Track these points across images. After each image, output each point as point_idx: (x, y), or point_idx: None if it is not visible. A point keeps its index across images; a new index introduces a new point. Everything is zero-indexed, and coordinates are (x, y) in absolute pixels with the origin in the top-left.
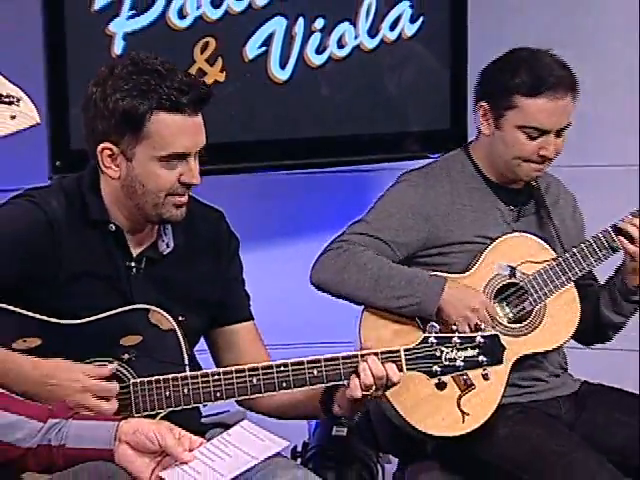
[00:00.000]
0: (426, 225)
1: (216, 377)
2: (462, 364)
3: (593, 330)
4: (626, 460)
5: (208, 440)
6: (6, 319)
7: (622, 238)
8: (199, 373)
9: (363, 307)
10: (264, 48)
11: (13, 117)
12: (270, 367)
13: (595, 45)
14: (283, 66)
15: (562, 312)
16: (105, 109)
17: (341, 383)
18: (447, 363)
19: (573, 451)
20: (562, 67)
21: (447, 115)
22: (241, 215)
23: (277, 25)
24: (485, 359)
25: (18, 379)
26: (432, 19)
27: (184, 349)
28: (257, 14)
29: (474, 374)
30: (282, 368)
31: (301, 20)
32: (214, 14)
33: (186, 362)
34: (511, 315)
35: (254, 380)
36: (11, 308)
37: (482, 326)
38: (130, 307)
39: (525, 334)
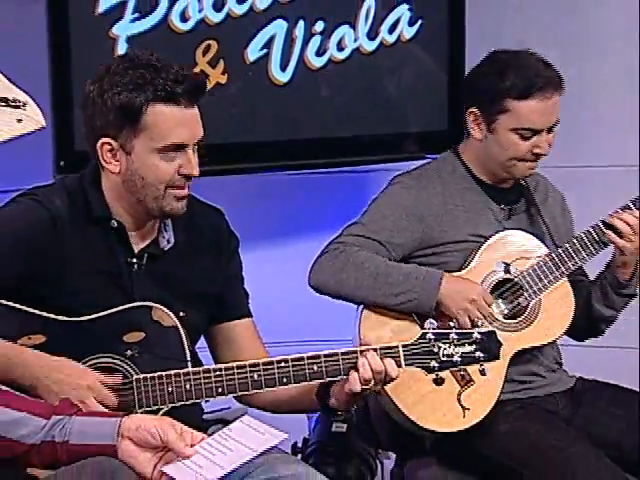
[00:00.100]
0: (420, 226)
1: (217, 373)
2: (459, 360)
3: (585, 324)
4: (623, 454)
5: (210, 435)
6: (11, 316)
7: (611, 232)
8: (201, 369)
9: (362, 306)
10: (265, 50)
11: (19, 120)
12: (271, 363)
13: (595, 45)
14: (284, 68)
15: (557, 306)
16: (103, 105)
17: (340, 378)
18: (444, 359)
19: (571, 446)
20: (547, 66)
21: (445, 116)
22: (242, 215)
23: (278, 28)
24: (482, 355)
25: (23, 372)
26: (430, 22)
27: (186, 345)
28: (258, 17)
29: (472, 370)
30: (282, 364)
31: (301, 23)
32: (216, 17)
33: (188, 358)
34: (506, 311)
35: (255, 376)
36: (16, 306)
37: (479, 322)
38: (133, 304)
39: (521, 329)
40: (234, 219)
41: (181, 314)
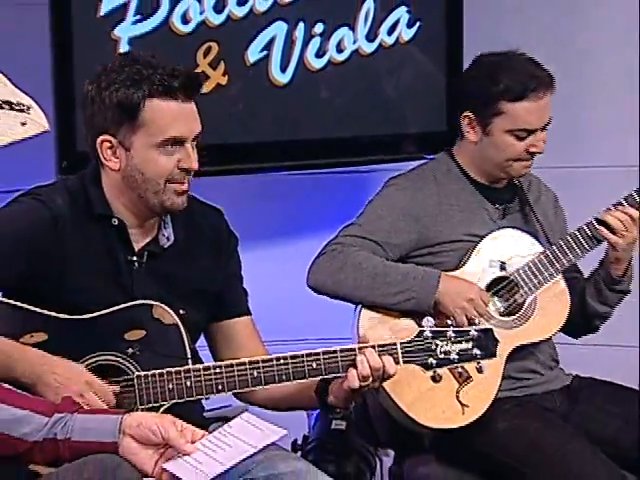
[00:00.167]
0: (416, 226)
1: (218, 370)
2: (457, 357)
3: (580, 321)
4: (619, 451)
5: (210, 433)
6: (13, 314)
7: (603, 228)
8: (201, 366)
9: (360, 305)
10: (265, 52)
11: (24, 124)
12: (270, 360)
13: (595, 45)
14: (284, 69)
15: (552, 303)
16: (101, 103)
17: (338, 375)
18: (442, 356)
19: (568, 443)
20: (537, 66)
21: (443, 117)
22: (242, 215)
23: (278, 30)
24: (479, 352)
25: (24, 370)
26: (429, 24)
27: (186, 343)
28: (258, 19)
29: (470, 367)
30: (282, 361)
31: (301, 25)
32: (216, 19)
33: (188, 355)
34: (502, 309)
35: (254, 373)
36: (18, 304)
37: (476, 321)
38: (134, 303)
39: (517, 326)
40: (234, 219)
41: (181, 312)
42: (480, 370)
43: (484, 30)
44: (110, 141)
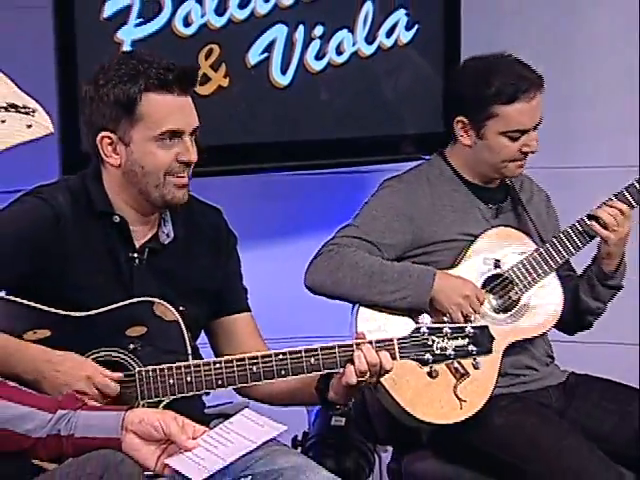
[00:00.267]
0: (411, 227)
1: (218, 365)
2: (453, 353)
3: (574, 318)
4: (615, 447)
5: (211, 429)
6: (17, 311)
7: (594, 223)
8: (201, 362)
9: (358, 304)
10: (266, 54)
11: (29, 126)
12: (269, 356)
13: (595, 45)
14: (284, 71)
15: (546, 299)
16: (99, 101)
17: (337, 371)
18: (438, 352)
19: (564, 438)
20: (525, 67)
21: (441, 118)
22: (243, 215)
23: (278, 32)
24: (475, 348)
25: (26, 367)
26: (427, 27)
27: (187, 339)
28: (259, 22)
29: (467, 363)
30: (281, 357)
31: (301, 28)
32: (218, 22)
33: (189, 352)
34: (497, 305)
35: (254, 368)
36: (22, 301)
37: (472, 318)
38: (135, 300)
39: (512, 322)
40: (235, 219)
41: (181, 308)
42: (476, 366)
43: (482, 32)
44: (110, 137)
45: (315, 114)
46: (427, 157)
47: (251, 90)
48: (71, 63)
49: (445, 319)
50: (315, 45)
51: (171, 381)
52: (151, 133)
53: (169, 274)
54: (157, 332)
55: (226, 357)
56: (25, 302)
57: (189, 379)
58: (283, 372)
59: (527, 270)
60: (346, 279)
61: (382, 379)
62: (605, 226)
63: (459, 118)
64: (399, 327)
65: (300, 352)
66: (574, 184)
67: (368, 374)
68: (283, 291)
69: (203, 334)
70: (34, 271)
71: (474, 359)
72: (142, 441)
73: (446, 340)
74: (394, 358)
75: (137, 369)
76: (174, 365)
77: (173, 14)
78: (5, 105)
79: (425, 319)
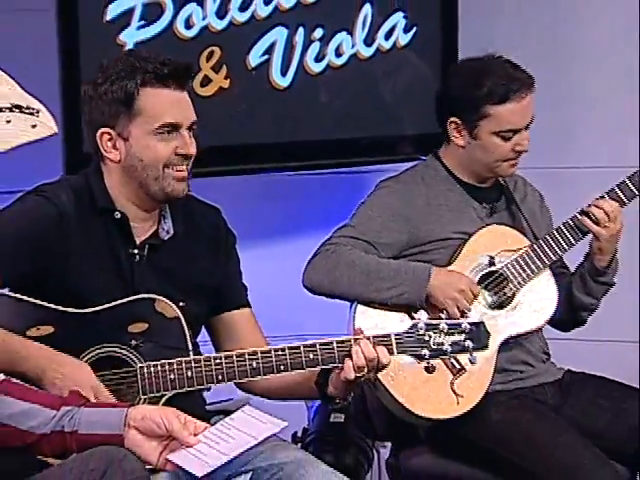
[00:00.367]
0: (407, 226)
1: (218, 361)
2: (449, 348)
3: (568, 314)
4: (610, 444)
5: (212, 425)
6: (21, 308)
7: (586, 219)
8: (202, 357)
9: (356, 302)
10: (266, 56)
11: (34, 126)
12: (268, 351)
13: (595, 45)
14: (284, 73)
15: (541, 295)
16: (99, 99)
17: (335, 366)
18: (435, 347)
19: (560, 435)
20: (516, 68)
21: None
22: (243, 214)
23: (278, 35)
24: (471, 344)
25: (29, 365)
26: (424, 29)
27: (187, 335)
28: (259, 24)
29: (463, 359)
30: (280, 352)
31: (301, 30)
32: (219, 24)
33: (190, 347)
34: (492, 302)
35: (254, 363)
36: (25, 298)
37: (468, 313)
38: (137, 297)
39: (507, 318)
40: (236, 218)
41: (181, 304)
42: (473, 361)
43: (479, 34)
44: (109, 133)
45: (315, 115)
46: (425, 158)
47: (251, 91)
48: (74, 65)
49: (442, 315)
50: (315, 47)
51: (172, 376)
52: (149, 127)
53: (169, 271)
54: (158, 328)
55: (226, 353)
56: (28, 299)
57: (190, 374)
58: (282, 367)
59: (521, 267)
60: (343, 278)
61: (380, 376)
62: (597, 222)
63: (452, 119)
64: (396, 324)
65: (299, 347)
66: (574, 184)
67: (366, 369)
68: (283, 290)
69: (204, 332)
70: (36, 270)
71: (470, 354)
72: (144, 437)
73: (443, 335)
74: (391, 353)
75: (139, 365)
76: (175, 360)
77: (175, 17)
78: (10, 106)
79: (422, 315)
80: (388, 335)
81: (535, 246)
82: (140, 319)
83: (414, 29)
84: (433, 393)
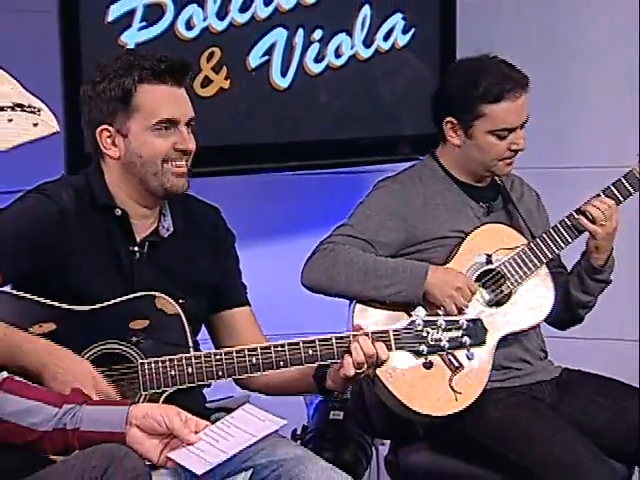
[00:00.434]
0: (404, 225)
1: (218, 357)
2: (447, 344)
3: (565, 313)
4: (608, 442)
5: (213, 422)
6: (23, 306)
7: (582, 218)
8: (202, 353)
9: (354, 300)
10: (266, 57)
11: (35, 124)
12: (268, 347)
13: (595, 45)
14: (284, 74)
15: (537, 292)
16: (97, 97)
17: (334, 361)
18: (433, 343)
19: (558, 433)
20: (511, 68)
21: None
22: (243, 214)
23: (278, 36)
24: (469, 340)
25: (30, 360)
26: (423, 30)
27: (188, 332)
28: (259, 25)
29: (461, 355)
30: (279, 348)
31: (301, 31)
32: (219, 25)
33: (190, 344)
34: (489, 299)
35: (253, 359)
36: (28, 296)
37: (465, 310)
38: (138, 294)
39: (505, 316)
40: (236, 218)
41: (180, 301)
42: (470, 357)
43: (477, 35)
44: (108, 130)
45: (314, 115)
46: (423, 157)
47: (251, 92)
48: (76, 66)
49: (440, 312)
50: (314, 48)
51: (173, 372)
52: (147, 123)
53: (169, 269)
54: (159, 325)
55: (226, 349)
56: (31, 297)
57: (190, 370)
58: (282, 363)
59: (518, 264)
60: (341, 276)
61: (379, 372)
62: (593, 221)
63: (448, 119)
64: (394, 322)
65: (298, 344)
66: (574, 184)
67: (365, 365)
68: (283, 289)
69: (203, 330)
70: (37, 267)
71: (468, 350)
72: (145, 435)
73: (440, 332)
74: (390, 349)
75: (140, 361)
76: (175, 357)
77: (175, 18)
78: (11, 104)
79: (420, 312)
80: (386, 331)
81: (532, 244)
82: (141, 316)
83: (413, 30)
84: (431, 390)
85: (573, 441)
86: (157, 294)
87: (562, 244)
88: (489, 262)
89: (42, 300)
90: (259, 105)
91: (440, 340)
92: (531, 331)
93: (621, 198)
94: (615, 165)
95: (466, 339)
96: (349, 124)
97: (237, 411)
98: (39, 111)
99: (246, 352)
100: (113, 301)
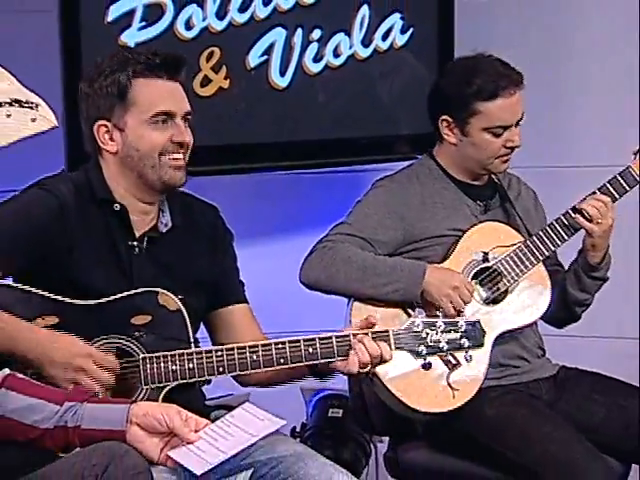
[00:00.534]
0: (402, 224)
1: (219, 353)
2: (446, 346)
3: (562, 311)
4: (605, 439)
5: (213, 420)
6: (26, 299)
7: (578, 216)
8: (203, 349)
9: (352, 299)
10: (265, 57)
11: (34, 120)
12: (269, 345)
13: (595, 45)
14: (283, 74)
15: (534, 290)
16: (94, 94)
17: (333, 360)
18: (432, 344)
19: (553, 430)
20: (506, 66)
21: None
22: (242, 213)
23: (277, 35)
24: (467, 342)
25: (28, 346)
26: (421, 30)
27: (189, 328)
28: (259, 25)
29: (459, 355)
30: (280, 346)
31: (299, 31)
32: (219, 25)
33: (191, 340)
34: (486, 297)
35: (254, 356)
36: (32, 289)
37: (463, 309)
38: (140, 290)
39: (502, 313)
40: (235, 217)
41: (179, 297)
42: (468, 359)
43: (475, 35)
44: (105, 125)
45: (313, 115)
46: (421, 157)
47: (251, 91)
48: (76, 66)
49: (438, 313)
50: (313, 48)
51: (174, 367)
52: (143, 116)
53: (168, 265)
54: (161, 321)
55: (227, 345)
56: (34, 290)
57: (191, 366)
58: (282, 360)
59: (514, 262)
60: (340, 274)
61: (377, 371)
62: (589, 219)
63: (444, 117)
64: (392, 320)
65: (299, 341)
66: (574, 184)
67: (370, 366)
68: (281, 288)
69: (202, 329)
70: (37, 261)
71: (466, 352)
72: (146, 433)
73: (439, 333)
74: (390, 348)
75: (141, 355)
76: (177, 352)
77: (175, 18)
78: (9, 100)
79: (419, 313)
80: (386, 331)
81: (528, 242)
82: (143, 311)
83: (411, 30)
84: (429, 387)
85: (569, 438)
86: (160, 290)
87: (558, 242)
88: (486, 260)
89: (45, 294)
90: (258, 104)
91: (439, 342)
92: (528, 329)
93: (617, 195)
94: (615, 164)
95: (464, 341)
96: (348, 123)
97: (237, 410)
98: (37, 106)
99: (247, 349)
100: (116, 296)
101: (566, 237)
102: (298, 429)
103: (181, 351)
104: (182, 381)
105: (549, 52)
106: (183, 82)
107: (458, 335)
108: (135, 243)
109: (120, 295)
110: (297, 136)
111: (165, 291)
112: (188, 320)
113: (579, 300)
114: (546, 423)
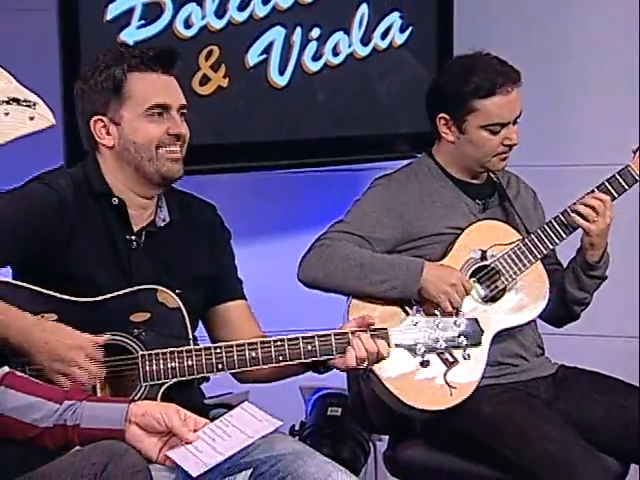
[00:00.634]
0: (400, 222)
1: (218, 350)
2: (444, 344)
3: (561, 309)
4: (604, 438)
5: (212, 419)
6: (25, 296)
7: (576, 215)
8: (202, 347)
9: (351, 296)
10: (264, 55)
11: (32, 118)
12: (268, 342)
13: (595, 45)
14: (282, 72)
15: (532, 288)
16: (89, 90)
17: (332, 357)
18: (430, 342)
19: (551, 429)
20: (503, 64)
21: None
22: (242, 211)
23: (276, 34)
24: (465, 341)
25: (18, 332)
26: (420, 29)
27: (188, 325)
28: (258, 24)
29: (457, 353)
30: (279, 343)
31: (299, 29)
32: (218, 24)
33: (190, 337)
34: (484, 295)
35: (253, 353)
36: (30, 286)
37: (461, 307)
38: (140, 287)
39: (500, 311)
40: (234, 216)
41: (177, 292)
42: (466, 358)
43: (475, 34)
44: (102, 120)
45: (312, 114)
46: (420, 155)
47: (250, 90)
48: (75, 64)
49: (436, 312)
50: (312, 46)
51: (173, 364)
52: (139, 109)
53: (166, 260)
54: (160, 318)
55: (226, 343)
56: (33, 287)
57: (190, 363)
58: (281, 358)
59: (513, 260)
60: (338, 271)
61: (375, 368)
62: (586, 217)
63: (441, 115)
64: (390, 318)
65: (298, 339)
66: (575, 183)
67: (367, 362)
68: (280, 286)
69: (201, 328)
70: (35, 255)
71: (464, 351)
72: (145, 433)
73: (438, 331)
74: (389, 346)
75: (140, 352)
76: (176, 349)
77: (174, 16)
78: (7, 99)
79: (418, 311)
80: (385, 328)
81: (526, 240)
82: (142, 309)
83: (410, 29)
84: (427, 385)
85: (566, 437)
86: (159, 287)
87: (556, 240)
88: (484, 258)
89: (44, 291)
90: (257, 103)
91: (437, 340)
92: (527, 327)
93: (615, 194)
94: (615, 163)
95: (462, 339)
96: (347, 122)
97: (236, 410)
98: (34, 105)
99: (246, 346)
100: (115, 294)
101: (564, 235)
102: (297, 428)
103: (180, 348)
104: (181, 378)
105: (549, 52)
106: (177, 75)
107: (456, 333)
108: (133, 237)
109: (119, 293)
110: (296, 135)
111: (164, 289)
112: (187, 317)
113: (578, 299)
114: (544, 422)
